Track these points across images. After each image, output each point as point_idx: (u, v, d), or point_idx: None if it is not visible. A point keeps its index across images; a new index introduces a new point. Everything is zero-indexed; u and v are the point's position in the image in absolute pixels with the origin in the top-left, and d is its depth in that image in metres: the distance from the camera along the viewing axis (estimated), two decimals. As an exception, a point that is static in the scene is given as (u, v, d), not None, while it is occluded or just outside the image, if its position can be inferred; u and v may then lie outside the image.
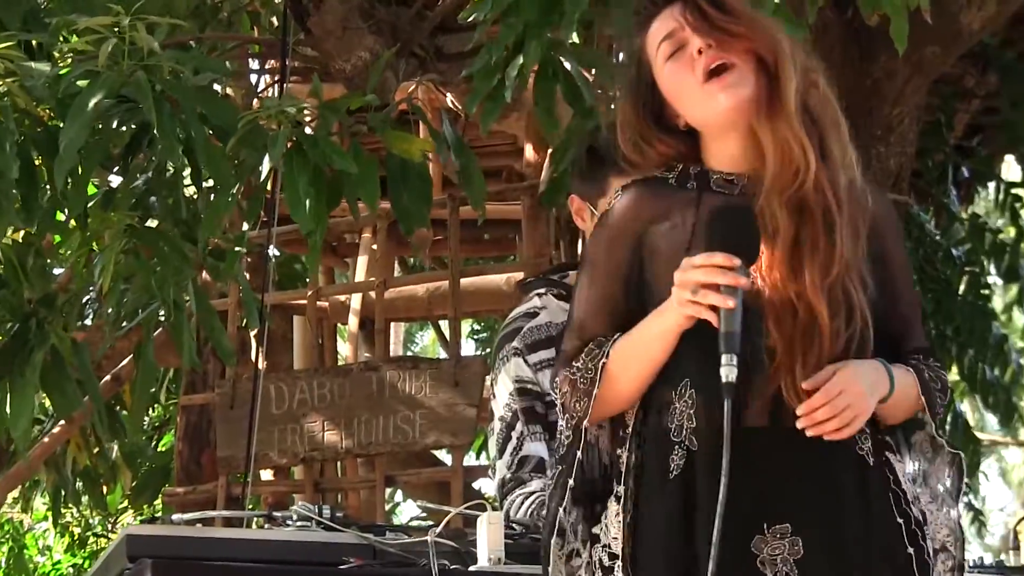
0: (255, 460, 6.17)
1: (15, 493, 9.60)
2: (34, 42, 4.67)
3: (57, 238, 5.22)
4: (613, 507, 2.85)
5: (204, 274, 5.30)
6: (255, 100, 6.94)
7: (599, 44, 6.16)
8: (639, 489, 2.84)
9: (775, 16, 3.52)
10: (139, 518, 9.52)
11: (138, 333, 5.27)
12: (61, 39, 4.45)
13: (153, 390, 8.64)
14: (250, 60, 7.52)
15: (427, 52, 5.80)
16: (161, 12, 4.45)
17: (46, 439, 8.01)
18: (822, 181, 2.83)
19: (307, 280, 8.03)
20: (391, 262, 8.47)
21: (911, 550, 2.83)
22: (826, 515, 2.78)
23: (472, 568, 3.43)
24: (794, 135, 2.82)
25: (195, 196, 4.82)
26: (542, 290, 4.06)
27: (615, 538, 2.84)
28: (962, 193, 8.12)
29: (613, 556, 2.84)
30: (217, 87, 5.43)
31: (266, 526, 3.63)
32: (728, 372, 2.68)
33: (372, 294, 7.16)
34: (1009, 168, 9.21)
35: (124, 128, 4.50)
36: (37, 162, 4.52)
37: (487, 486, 8.40)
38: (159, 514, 7.67)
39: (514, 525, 3.64)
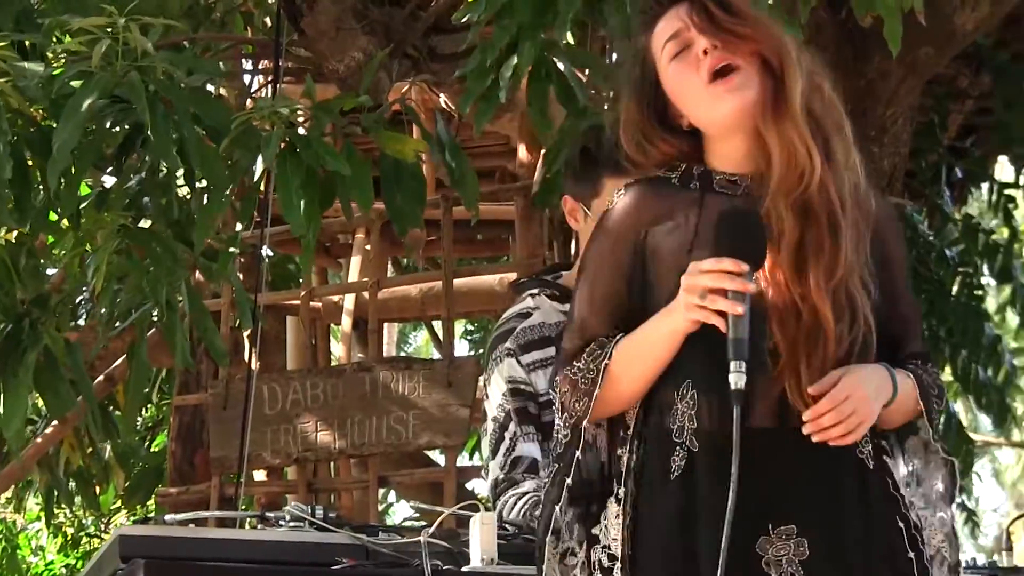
0: (248, 460, 6.17)
1: (8, 493, 9.59)
2: (27, 42, 4.66)
3: (50, 238, 5.21)
4: (613, 508, 2.85)
5: (197, 274, 5.29)
6: (248, 101, 6.92)
7: (592, 45, 6.18)
8: (639, 490, 2.83)
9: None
10: (132, 518, 9.49)
11: (131, 333, 5.27)
12: (54, 39, 4.45)
13: (146, 390, 8.63)
14: (243, 61, 7.50)
15: (420, 53, 5.79)
16: (155, 13, 4.44)
17: (39, 439, 8.02)
18: (827, 184, 2.82)
19: (300, 280, 8.03)
20: (384, 262, 8.48)
21: (911, 554, 2.83)
22: (828, 516, 2.77)
23: (465, 568, 3.43)
24: (800, 137, 2.81)
25: (188, 197, 4.82)
26: (535, 291, 4.05)
27: (615, 539, 2.83)
28: (955, 194, 8.12)
29: (613, 558, 2.83)
30: (211, 88, 5.42)
31: (259, 526, 3.63)
32: (737, 379, 2.67)
33: (365, 294, 7.17)
34: (1002, 169, 9.22)
35: (117, 128, 4.50)
36: (30, 162, 4.52)
37: (480, 487, 8.42)
38: (152, 514, 7.64)
39: (507, 526, 3.64)
